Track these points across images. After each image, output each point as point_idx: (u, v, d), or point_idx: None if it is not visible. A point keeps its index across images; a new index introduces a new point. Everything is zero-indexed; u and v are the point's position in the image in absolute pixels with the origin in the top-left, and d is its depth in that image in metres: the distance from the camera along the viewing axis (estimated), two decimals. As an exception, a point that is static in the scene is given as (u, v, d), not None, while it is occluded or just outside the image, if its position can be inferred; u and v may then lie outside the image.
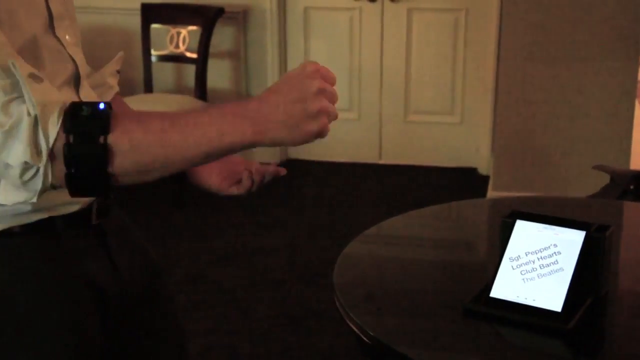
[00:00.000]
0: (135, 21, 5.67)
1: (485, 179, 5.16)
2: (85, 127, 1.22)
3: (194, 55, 5.47)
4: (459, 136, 5.64)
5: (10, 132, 1.19)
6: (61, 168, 1.20)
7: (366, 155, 5.82)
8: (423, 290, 2.15)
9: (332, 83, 1.31)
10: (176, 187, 5.07)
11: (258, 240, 4.63)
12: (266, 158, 5.79)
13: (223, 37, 5.68)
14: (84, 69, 1.58)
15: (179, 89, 5.75)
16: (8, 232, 1.46)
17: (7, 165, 1.21)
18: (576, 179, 4.13)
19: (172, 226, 4.90)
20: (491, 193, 4.79)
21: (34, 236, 1.51)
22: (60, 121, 1.20)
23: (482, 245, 2.53)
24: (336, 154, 5.81)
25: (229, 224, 4.87)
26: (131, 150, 1.24)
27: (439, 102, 5.64)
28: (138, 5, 5.63)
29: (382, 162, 5.80)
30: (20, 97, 1.20)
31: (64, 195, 1.35)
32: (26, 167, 1.19)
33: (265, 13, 5.66)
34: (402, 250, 2.46)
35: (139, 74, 5.73)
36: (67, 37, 1.53)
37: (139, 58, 5.69)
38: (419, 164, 5.67)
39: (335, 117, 1.31)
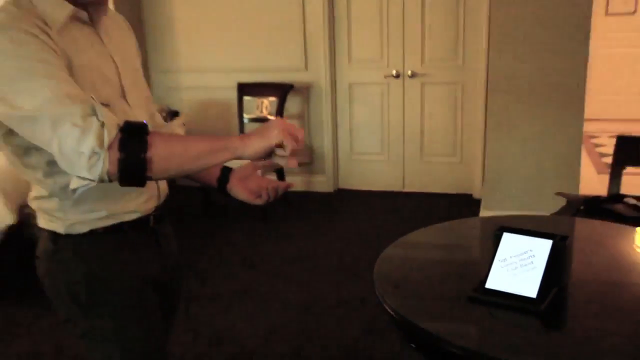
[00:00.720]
0: (234, 94, 5.68)
1: (478, 202, 5.09)
2: (133, 128, 1.36)
3: (273, 117, 5.47)
4: (459, 171, 5.58)
5: (85, 130, 1.29)
6: (115, 156, 1.31)
7: (393, 185, 5.77)
8: (436, 281, 2.13)
9: (292, 129, 1.42)
10: (272, 202, 5.06)
11: (319, 245, 4.62)
12: (324, 189, 5.81)
13: (293, 104, 5.68)
14: (150, 125, 1.61)
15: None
16: (94, 232, 1.60)
17: (80, 154, 1.29)
18: (544, 201, 4.07)
19: (263, 231, 4.88)
20: (482, 212, 4.74)
21: (111, 235, 1.63)
22: (117, 127, 1.33)
23: (478, 250, 2.51)
24: (372, 185, 5.80)
25: (298, 232, 4.87)
26: (162, 149, 1.38)
27: (444, 147, 5.58)
28: (235, 84, 5.65)
29: (405, 190, 5.74)
30: (95, 115, 1.31)
31: (129, 206, 1.64)
32: (93, 154, 1.29)
33: (322, 87, 5.66)
34: (421, 253, 2.45)
35: (235, 131, 5.76)
36: (134, 101, 1.66)
37: (236, 120, 5.71)
38: (431, 191, 5.62)
39: (297, 142, 1.41)
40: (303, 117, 5.76)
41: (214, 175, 1.87)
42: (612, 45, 7.85)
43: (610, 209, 3.13)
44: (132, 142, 1.33)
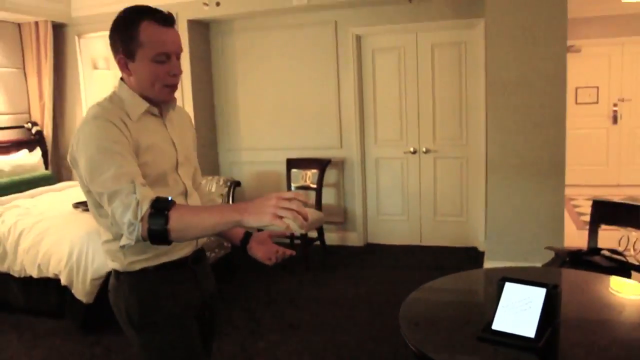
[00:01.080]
0: (283, 168, 5.76)
1: (482, 254, 5.05)
2: (159, 206, 1.49)
3: (315, 186, 5.52)
4: (465, 228, 5.55)
5: (126, 206, 1.48)
6: (145, 226, 1.47)
7: (412, 240, 5.74)
8: (450, 322, 2.13)
9: (292, 197, 1.45)
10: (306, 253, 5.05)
11: (352, 290, 4.60)
12: (356, 243, 5.79)
13: (330, 175, 5.73)
14: (191, 189, 1.83)
15: (307, 205, 5.73)
16: (145, 270, 1.71)
17: (123, 223, 1.49)
18: (535, 253, 4.02)
19: (305, 278, 4.85)
20: (486, 262, 4.69)
21: (157, 272, 1.72)
22: (149, 203, 1.49)
23: (483, 296, 2.49)
24: (395, 239, 5.78)
25: (335, 279, 4.85)
26: (179, 222, 1.49)
27: (453, 209, 5.57)
28: (284, 160, 5.74)
29: (422, 244, 5.71)
30: (135, 193, 1.50)
31: (169, 250, 1.70)
32: (130, 224, 1.48)
33: (354, 161, 5.71)
34: (438, 298, 2.45)
35: (285, 197, 5.83)
36: (184, 173, 1.81)
37: (285, 188, 5.78)
38: (443, 245, 5.59)
39: (304, 216, 1.45)
40: (338, 186, 5.80)
41: (238, 237, 1.95)
42: (582, 127, 8.14)
43: (590, 260, 3.11)
44: (157, 216, 1.48)
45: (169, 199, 1.52)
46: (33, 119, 6.22)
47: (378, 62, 5.57)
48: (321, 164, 5.52)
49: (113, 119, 1.59)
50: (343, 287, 4.66)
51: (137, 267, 1.70)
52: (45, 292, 4.26)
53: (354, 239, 5.85)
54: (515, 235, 4.55)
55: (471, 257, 5.21)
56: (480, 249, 5.31)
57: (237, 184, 5.09)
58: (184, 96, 5.76)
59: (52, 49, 6.06)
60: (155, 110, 1.73)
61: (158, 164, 1.69)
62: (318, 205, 5.45)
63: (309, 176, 5.59)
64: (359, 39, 5.54)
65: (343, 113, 5.66)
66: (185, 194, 1.79)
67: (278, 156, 5.85)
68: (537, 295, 1.82)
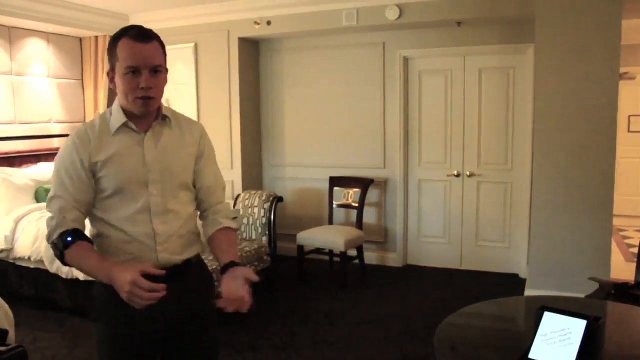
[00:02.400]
0: (326, 185, 5.78)
1: (523, 281, 4.93)
2: (61, 242, 1.69)
3: (357, 205, 5.50)
4: (507, 255, 5.43)
5: (47, 226, 1.73)
6: (54, 250, 1.72)
7: (452, 263, 5.64)
8: (486, 348, 2.07)
9: (147, 288, 1.51)
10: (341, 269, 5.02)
11: (389, 311, 4.54)
12: (395, 264, 5.73)
13: (372, 195, 5.70)
14: (162, 208, 1.78)
15: (348, 224, 5.73)
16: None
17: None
18: (579, 284, 3.88)
19: (343, 296, 4.82)
20: (527, 290, 4.56)
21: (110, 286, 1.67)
22: (57, 235, 1.70)
23: (522, 324, 2.43)
24: (435, 262, 5.70)
25: (372, 298, 4.80)
26: (71, 261, 1.69)
27: (496, 234, 5.46)
28: (328, 178, 5.76)
29: (462, 268, 5.61)
30: (54, 219, 1.72)
31: (139, 262, 1.75)
32: (48, 242, 1.74)
33: (397, 182, 5.68)
34: (476, 323, 2.39)
35: (326, 214, 5.82)
36: (159, 191, 1.79)
37: (327, 205, 5.79)
38: (484, 270, 5.47)
39: (146, 299, 1.51)
40: (380, 205, 5.77)
41: (221, 261, 1.81)
42: (634, 156, 7.87)
43: (637, 294, 2.98)
44: (57, 249, 1.70)
45: (68, 239, 1.68)
46: (88, 128, 6.41)
47: (425, 84, 5.54)
48: (364, 184, 5.50)
49: (81, 137, 1.75)
50: (380, 307, 4.61)
51: None
52: (89, 295, 4.36)
53: (393, 259, 5.79)
54: (559, 264, 4.42)
55: (512, 284, 5.08)
56: (522, 276, 5.18)
57: (280, 199, 5.11)
58: (232, 111, 5.86)
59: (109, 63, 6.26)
60: (133, 125, 1.78)
61: (115, 179, 1.74)
62: (359, 224, 5.43)
63: (351, 195, 5.58)
64: (406, 61, 5.54)
65: (388, 134, 5.64)
66: (150, 211, 1.77)
67: (321, 174, 5.87)
68: (577, 327, 1.76)
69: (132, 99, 1.71)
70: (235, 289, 1.66)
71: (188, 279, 1.85)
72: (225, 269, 1.76)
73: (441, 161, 5.57)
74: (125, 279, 1.50)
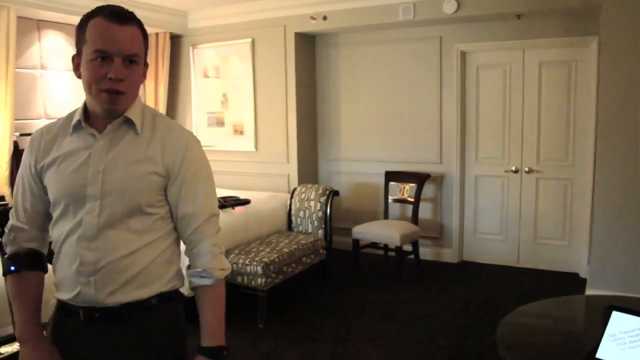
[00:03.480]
0: (381, 180, 5.79)
1: (583, 281, 4.83)
2: (6, 264, 1.53)
3: (412, 199, 5.50)
4: (567, 253, 5.32)
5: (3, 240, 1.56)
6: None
7: (509, 261, 5.57)
8: (548, 348, 2.06)
9: None
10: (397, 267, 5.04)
11: (444, 306, 4.53)
12: (450, 259, 5.71)
13: (428, 190, 5.68)
14: (90, 231, 1.44)
15: (403, 218, 5.73)
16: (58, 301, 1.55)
17: None
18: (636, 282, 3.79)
19: (398, 291, 4.84)
20: (587, 290, 4.46)
21: (60, 310, 1.55)
22: (7, 252, 1.55)
23: (584, 324, 2.40)
24: (490, 259, 5.65)
25: (427, 294, 4.80)
26: (9, 290, 1.54)
27: (555, 232, 5.36)
28: (383, 172, 5.77)
29: (518, 265, 5.53)
30: (5, 231, 1.56)
31: (60, 293, 1.53)
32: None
33: (453, 178, 5.64)
34: (538, 322, 2.37)
35: (381, 209, 5.84)
36: (90, 209, 1.43)
37: (382, 200, 5.81)
38: (541, 268, 5.38)
39: None
40: (436, 201, 5.75)
41: (201, 339, 1.58)
42: None
43: None
44: (3, 268, 1.54)
45: (12, 268, 1.51)
46: (148, 123, 6.63)
47: (482, 78, 5.48)
48: (420, 178, 5.49)
49: (33, 138, 1.53)
50: (436, 303, 4.61)
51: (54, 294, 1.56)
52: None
53: (448, 255, 5.76)
54: (622, 264, 4.30)
55: (572, 283, 4.98)
56: (582, 275, 5.07)
57: (336, 193, 5.17)
58: (288, 105, 5.95)
59: (168, 58, 6.47)
60: (86, 126, 1.48)
61: (54, 189, 1.47)
62: (414, 219, 5.42)
63: (407, 190, 5.57)
64: (463, 54, 5.49)
65: (444, 129, 5.61)
66: (78, 232, 1.44)
67: (377, 168, 5.89)
68: (647, 325, 1.73)
69: (95, 92, 1.40)
70: None
71: (136, 329, 1.49)
72: (201, 351, 1.55)
73: (498, 157, 5.50)
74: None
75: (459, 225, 5.71)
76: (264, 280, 4.09)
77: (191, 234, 1.53)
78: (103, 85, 1.38)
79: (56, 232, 1.49)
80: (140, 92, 6.14)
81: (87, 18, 1.41)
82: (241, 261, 4.17)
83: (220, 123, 6.48)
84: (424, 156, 5.72)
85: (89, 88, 1.41)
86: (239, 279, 4.18)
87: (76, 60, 1.44)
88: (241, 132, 6.32)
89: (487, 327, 4.02)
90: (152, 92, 6.54)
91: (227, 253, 4.30)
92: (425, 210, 5.74)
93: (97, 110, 1.45)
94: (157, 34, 6.41)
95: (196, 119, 6.66)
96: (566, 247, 5.32)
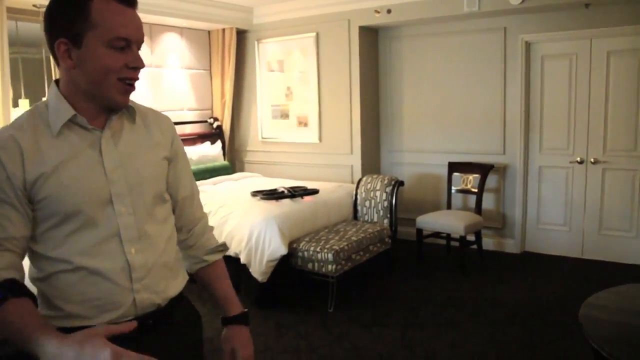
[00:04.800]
0: (444, 171, 5.85)
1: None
2: None
3: (475, 190, 5.53)
4: (634, 245, 5.24)
5: None
6: None
7: (573, 252, 5.53)
8: (630, 327, 2.10)
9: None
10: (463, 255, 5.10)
11: (507, 294, 4.57)
12: (512, 250, 5.71)
13: (491, 180, 5.70)
14: (140, 231, 1.33)
15: (466, 209, 5.77)
16: (60, 329, 1.15)
17: None
18: None
19: (461, 279, 4.91)
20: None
21: None
22: None
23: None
24: (554, 250, 5.62)
25: (490, 282, 4.85)
26: None
27: (621, 223, 5.29)
28: (446, 163, 5.82)
29: (583, 257, 5.49)
30: None
31: (83, 313, 1.28)
32: None
33: (516, 169, 5.64)
34: (611, 305, 2.42)
35: (444, 199, 5.90)
36: (129, 208, 1.32)
37: (445, 190, 5.87)
38: (608, 260, 5.32)
39: None
40: (499, 191, 5.76)
41: (227, 309, 1.58)
42: None
43: None
44: None
45: (7, 292, 1.17)
46: (215, 115, 6.88)
47: (547, 69, 5.45)
48: (483, 169, 5.52)
49: (3, 144, 1.24)
50: (500, 291, 4.65)
51: (54, 323, 1.23)
52: (225, 269, 4.74)
53: (511, 245, 5.77)
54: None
55: (639, 276, 4.92)
56: (654, 267, 5.02)
57: (401, 183, 5.26)
58: (352, 98, 6.06)
59: (234, 53, 6.68)
60: (84, 121, 1.29)
61: (67, 199, 1.25)
62: (478, 209, 5.46)
63: (470, 180, 5.61)
64: (528, 45, 5.47)
65: (508, 119, 5.61)
66: (120, 237, 1.30)
67: (440, 159, 5.95)
68: None
69: (112, 81, 1.26)
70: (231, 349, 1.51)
71: (174, 325, 1.42)
72: (230, 321, 1.54)
73: (563, 147, 5.47)
74: (98, 354, 0.99)
75: (522, 215, 5.71)
76: (334, 267, 4.23)
77: (192, 214, 1.54)
78: (123, 74, 1.27)
79: (68, 249, 1.27)
80: (207, 87, 6.36)
81: None
82: (312, 248, 4.33)
83: (284, 115, 6.66)
84: (487, 147, 5.73)
85: (101, 77, 1.25)
86: (310, 265, 4.34)
87: (66, 46, 1.24)
88: (305, 124, 6.48)
89: (552, 317, 4.06)
90: (219, 87, 6.77)
91: (298, 241, 4.47)
92: (488, 201, 5.76)
93: (96, 102, 1.30)
94: (223, 29, 6.62)
95: (261, 111, 6.85)
96: (633, 238, 5.25)
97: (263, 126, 6.86)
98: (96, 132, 1.31)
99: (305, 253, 4.35)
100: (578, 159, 5.39)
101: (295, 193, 4.96)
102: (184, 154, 1.53)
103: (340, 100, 6.17)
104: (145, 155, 1.38)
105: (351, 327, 4.01)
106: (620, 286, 2.44)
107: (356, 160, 6.15)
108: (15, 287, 1.18)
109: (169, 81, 6.33)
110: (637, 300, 2.49)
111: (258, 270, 4.33)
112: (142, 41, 1.30)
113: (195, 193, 1.57)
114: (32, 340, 1.07)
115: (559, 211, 5.59)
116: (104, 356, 0.98)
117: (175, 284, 1.45)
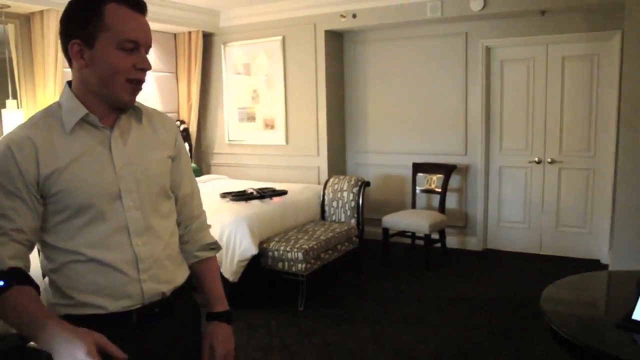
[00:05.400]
0: (409, 171, 6.02)
1: (605, 267, 5.02)
2: None
3: (439, 190, 5.71)
4: (588, 240, 5.51)
5: None
6: None
7: (531, 248, 5.77)
8: (586, 310, 2.26)
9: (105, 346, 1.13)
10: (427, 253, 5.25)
11: (471, 290, 4.74)
12: (475, 247, 5.90)
13: (454, 180, 5.88)
14: (145, 225, 1.41)
15: (430, 208, 5.94)
16: (70, 317, 1.29)
17: None
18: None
19: (426, 276, 5.06)
20: (611, 273, 4.66)
21: (85, 323, 1.22)
22: None
23: (616, 295, 2.60)
24: (514, 247, 5.85)
25: (454, 279, 5.02)
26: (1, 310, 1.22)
27: (576, 220, 5.54)
28: (411, 164, 5.98)
29: (541, 253, 5.73)
30: None
31: (96, 301, 1.36)
32: None
33: (477, 169, 5.84)
34: (568, 292, 2.58)
35: (409, 199, 6.06)
36: (136, 203, 1.40)
37: (410, 190, 6.03)
38: (564, 255, 5.57)
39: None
40: (461, 191, 5.95)
41: (211, 305, 1.65)
42: None
43: None
44: None
45: (0, 283, 1.23)
46: (181, 118, 6.89)
47: (506, 72, 5.67)
48: (446, 170, 5.70)
49: (20, 143, 1.31)
50: (464, 287, 4.82)
51: (61, 311, 1.34)
52: None
53: (473, 243, 5.97)
54: (637, 248, 4.50)
55: (593, 269, 5.14)
56: (603, 262, 5.26)
57: (367, 184, 5.38)
58: (319, 100, 6.17)
59: (201, 56, 6.71)
60: (96, 120, 1.38)
61: (79, 193, 1.33)
62: (441, 208, 5.64)
63: (434, 180, 5.77)
64: (488, 50, 5.68)
65: (469, 121, 5.81)
66: (128, 230, 1.39)
67: (404, 160, 6.10)
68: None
69: (120, 81, 1.34)
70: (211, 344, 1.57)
71: (177, 314, 1.50)
72: (214, 317, 1.62)
73: (522, 148, 5.69)
74: (78, 351, 1.08)
75: (484, 214, 5.91)
76: (304, 265, 4.32)
77: (191, 211, 1.62)
78: (131, 75, 1.35)
79: (79, 240, 1.35)
80: (173, 90, 6.35)
81: (99, 2, 1.32)
82: (282, 248, 4.41)
83: (251, 118, 6.72)
84: (450, 148, 5.92)
85: (110, 77, 1.33)
86: (280, 265, 4.42)
87: (79, 47, 1.33)
88: (272, 127, 6.56)
89: (513, 309, 4.24)
90: (185, 89, 6.79)
91: (268, 241, 4.55)
92: (451, 200, 5.95)
93: (105, 101, 1.38)
94: (190, 32, 6.65)
95: (227, 114, 6.90)
96: (587, 234, 5.51)
97: (230, 129, 6.91)
98: (106, 130, 1.39)
99: (276, 253, 4.43)
100: (536, 159, 5.62)
101: (264, 194, 5.03)
102: (186, 153, 1.62)
103: (306, 102, 6.28)
104: (152, 154, 1.47)
105: (321, 324, 4.11)
106: (575, 275, 2.61)
107: (322, 162, 6.26)
108: (20, 276, 1.26)
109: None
110: (591, 288, 2.67)
111: (229, 270, 4.39)
112: (149, 45, 1.39)
113: (195, 191, 1.65)
114: (32, 325, 1.14)
115: (519, 209, 5.81)
116: (81, 355, 1.07)
117: (178, 275, 1.53)
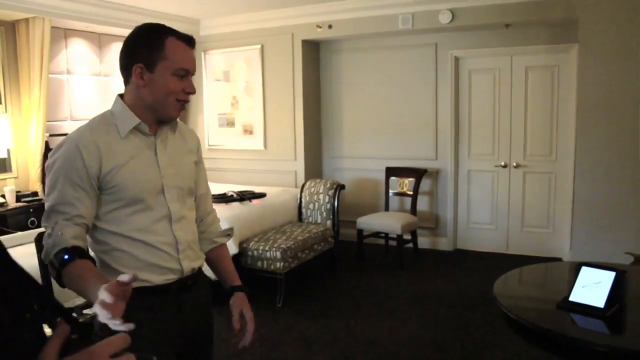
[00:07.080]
0: (382, 175, 6.27)
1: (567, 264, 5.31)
2: (58, 260, 1.47)
3: (411, 193, 5.98)
4: (551, 240, 5.83)
5: (45, 244, 1.54)
6: (51, 269, 1.50)
7: (499, 248, 6.08)
8: (532, 295, 2.55)
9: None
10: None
11: (441, 287, 5.03)
12: (445, 248, 6.19)
13: (425, 184, 6.15)
14: (178, 214, 1.69)
15: (402, 210, 6.20)
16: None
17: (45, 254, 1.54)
18: (618, 260, 4.29)
19: (399, 275, 5.32)
20: (570, 270, 4.98)
21: (133, 296, 1.32)
22: (54, 253, 1.49)
23: (565, 280, 2.90)
24: (482, 247, 6.16)
25: (426, 277, 5.29)
26: (67, 280, 1.46)
27: (540, 220, 5.87)
28: (384, 168, 6.24)
29: (508, 252, 6.04)
30: (51, 236, 1.53)
31: (145, 276, 1.62)
32: (45, 259, 1.53)
33: (447, 172, 6.13)
34: (520, 281, 2.87)
35: (382, 201, 6.32)
36: (171, 197, 1.69)
37: (383, 193, 6.29)
38: (529, 254, 5.86)
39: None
40: (432, 194, 6.24)
41: (229, 282, 1.89)
42: None
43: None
44: (54, 268, 1.49)
45: (65, 257, 1.46)
46: (162, 124, 7.06)
47: (474, 82, 5.99)
48: (418, 173, 5.98)
49: (85, 143, 1.58)
50: (434, 285, 5.10)
51: None
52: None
53: (444, 243, 6.26)
54: (601, 245, 4.83)
55: (556, 266, 5.49)
56: (565, 259, 5.55)
57: (342, 187, 5.65)
58: (296, 107, 6.43)
59: (182, 63, 6.89)
60: (146, 128, 1.66)
61: (132, 187, 1.62)
62: (413, 210, 5.92)
63: (406, 184, 6.05)
64: (457, 60, 6.00)
65: (439, 128, 6.11)
66: (170, 219, 1.69)
67: (377, 164, 6.37)
68: (608, 277, 2.25)
69: (171, 100, 1.63)
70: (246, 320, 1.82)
71: (201, 287, 1.83)
72: (235, 289, 1.86)
73: (489, 153, 6.01)
74: (106, 303, 1.18)
75: (454, 216, 6.21)
76: (282, 264, 4.57)
77: (206, 207, 1.91)
78: (180, 96, 1.63)
79: (130, 226, 1.62)
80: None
81: (159, 34, 1.60)
82: (261, 248, 4.65)
83: (230, 124, 6.95)
84: (421, 153, 6.21)
85: (166, 96, 1.61)
86: (259, 263, 4.66)
87: (142, 68, 1.59)
88: (251, 132, 6.80)
89: (479, 304, 4.54)
90: (166, 95, 6.96)
91: (248, 241, 4.78)
92: (423, 203, 6.23)
93: (155, 115, 1.65)
94: (171, 40, 6.83)
95: (207, 119, 7.11)
96: (550, 234, 5.84)
97: (210, 134, 7.13)
98: (151, 137, 1.68)
99: (255, 252, 4.67)
100: (502, 163, 5.95)
101: (244, 197, 5.27)
102: (203, 159, 1.92)
103: (284, 109, 6.52)
104: (183, 158, 1.78)
105: (299, 319, 4.36)
106: (524, 267, 2.91)
107: (300, 166, 6.51)
108: (81, 252, 1.51)
109: (117, 90, 6.44)
110: (539, 276, 2.97)
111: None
112: (194, 73, 1.66)
113: (208, 192, 1.94)
114: (90, 290, 1.35)
115: (486, 211, 6.12)
116: (104, 312, 1.14)
117: (200, 256, 1.83)
